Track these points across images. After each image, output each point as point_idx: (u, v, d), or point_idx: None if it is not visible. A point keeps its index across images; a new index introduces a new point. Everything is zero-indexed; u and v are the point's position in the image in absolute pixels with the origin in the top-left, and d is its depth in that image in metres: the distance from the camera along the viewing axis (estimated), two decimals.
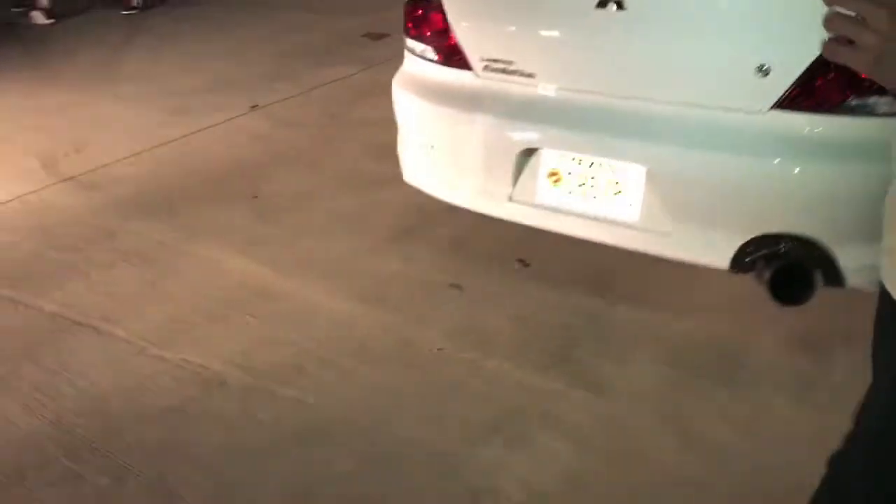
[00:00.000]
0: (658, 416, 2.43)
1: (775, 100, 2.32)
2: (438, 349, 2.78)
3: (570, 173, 2.69)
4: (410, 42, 3.09)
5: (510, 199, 2.83)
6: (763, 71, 2.30)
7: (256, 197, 4.01)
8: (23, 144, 4.80)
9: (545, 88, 2.71)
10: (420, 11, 2.98)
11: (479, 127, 2.86)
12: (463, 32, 2.86)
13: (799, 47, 2.26)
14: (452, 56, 2.92)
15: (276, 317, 3.02)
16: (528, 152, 2.74)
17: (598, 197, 2.65)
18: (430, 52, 3.00)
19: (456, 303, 3.09)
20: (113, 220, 3.83)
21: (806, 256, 2.35)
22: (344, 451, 2.36)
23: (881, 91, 2.19)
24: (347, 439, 2.41)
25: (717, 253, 2.49)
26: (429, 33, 2.97)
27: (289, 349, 2.83)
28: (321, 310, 3.06)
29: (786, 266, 2.37)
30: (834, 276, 2.35)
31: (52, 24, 7.65)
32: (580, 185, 2.68)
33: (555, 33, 2.69)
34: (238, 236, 3.63)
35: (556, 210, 2.74)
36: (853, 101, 2.23)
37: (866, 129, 2.23)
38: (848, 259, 2.32)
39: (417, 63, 3.07)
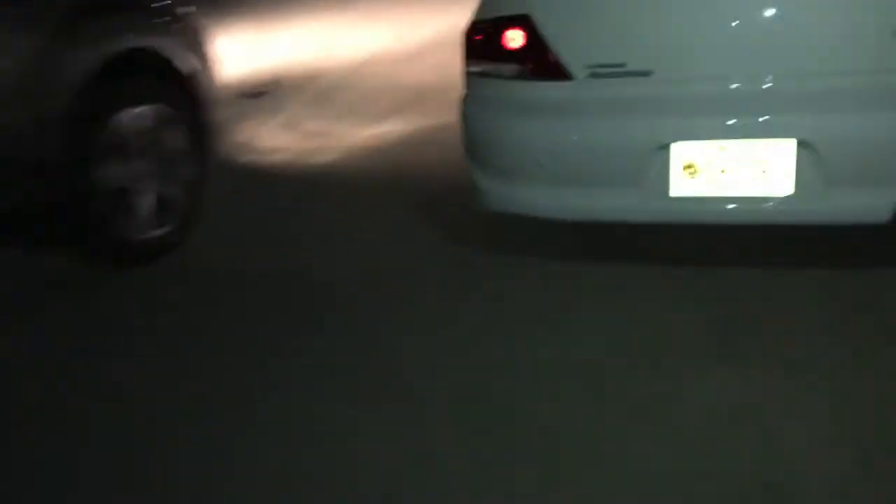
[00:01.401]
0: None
1: None
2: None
3: (708, 162, 2.70)
4: (484, 64, 2.98)
5: (642, 200, 2.80)
6: None
7: None
8: None
9: (667, 82, 2.72)
10: (503, 29, 2.89)
11: (596, 134, 2.81)
12: (561, 43, 2.80)
13: None
14: (548, 69, 2.85)
15: None
16: (658, 150, 2.73)
17: (742, 179, 2.68)
18: (516, 69, 2.91)
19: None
20: None
21: None
22: None
23: None
24: None
25: (877, 209, 2.59)
26: (515, 50, 2.88)
27: None
28: None
29: None
30: None
31: None
32: (722, 172, 2.69)
33: (673, 26, 2.70)
34: None
35: (697, 201, 2.74)
36: None
37: None
38: None
39: (499, 84, 2.97)
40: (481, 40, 2.97)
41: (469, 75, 3.08)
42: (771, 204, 2.67)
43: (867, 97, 2.53)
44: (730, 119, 2.66)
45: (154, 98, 3.51)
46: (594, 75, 2.78)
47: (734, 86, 2.64)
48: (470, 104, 3.09)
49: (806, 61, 2.57)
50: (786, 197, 2.65)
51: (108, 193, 3.30)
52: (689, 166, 2.73)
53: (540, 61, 2.86)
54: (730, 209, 2.72)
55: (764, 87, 2.61)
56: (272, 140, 4.52)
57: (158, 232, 3.53)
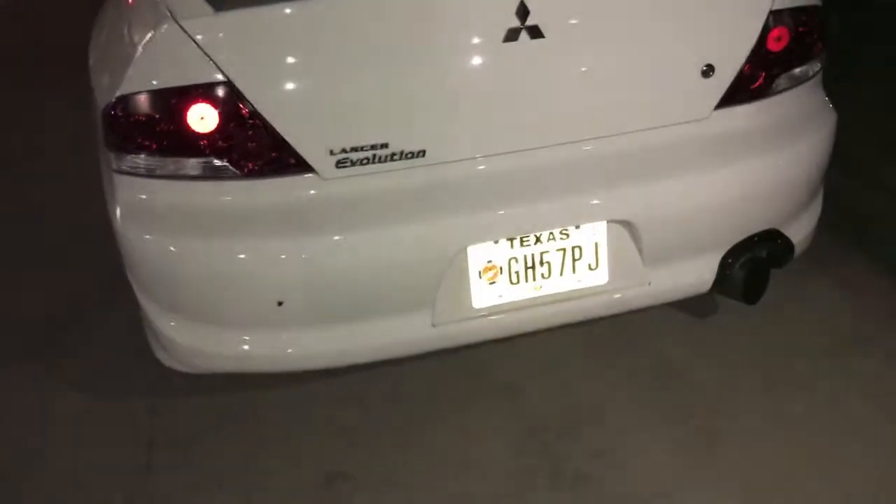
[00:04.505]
0: None
1: (719, 98, 2.09)
2: None
3: (512, 260, 2.03)
4: (152, 158, 1.87)
5: (433, 324, 2.02)
6: (707, 72, 2.04)
7: None
8: None
9: (447, 165, 1.95)
10: (184, 104, 1.80)
11: (364, 248, 1.92)
12: (285, 120, 1.84)
13: (735, 36, 2.06)
14: (270, 160, 1.88)
15: None
16: (452, 257, 1.97)
17: (554, 274, 2.07)
18: (212, 164, 1.87)
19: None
20: None
21: (772, 248, 2.24)
22: None
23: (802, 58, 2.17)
24: None
25: (699, 280, 2.21)
26: (209, 134, 1.83)
27: None
28: None
29: (758, 264, 2.23)
30: (788, 257, 2.30)
31: None
32: (528, 269, 2.05)
33: (449, 89, 1.91)
34: None
35: (504, 311, 2.06)
36: (787, 76, 2.16)
37: (801, 98, 2.20)
38: (797, 233, 2.30)
39: (185, 188, 1.90)
40: (145, 122, 1.84)
41: (122, 175, 1.92)
42: (587, 299, 2.11)
43: (678, 155, 2.09)
44: (532, 205, 1.99)
45: None
46: (344, 163, 1.89)
47: (531, 162, 2.00)
48: (130, 221, 1.94)
49: (611, 122, 2.04)
50: (601, 287, 2.11)
51: None
52: (489, 269, 2.03)
53: (255, 149, 1.86)
54: (543, 314, 2.10)
55: (565, 160, 2.01)
56: None
57: None
